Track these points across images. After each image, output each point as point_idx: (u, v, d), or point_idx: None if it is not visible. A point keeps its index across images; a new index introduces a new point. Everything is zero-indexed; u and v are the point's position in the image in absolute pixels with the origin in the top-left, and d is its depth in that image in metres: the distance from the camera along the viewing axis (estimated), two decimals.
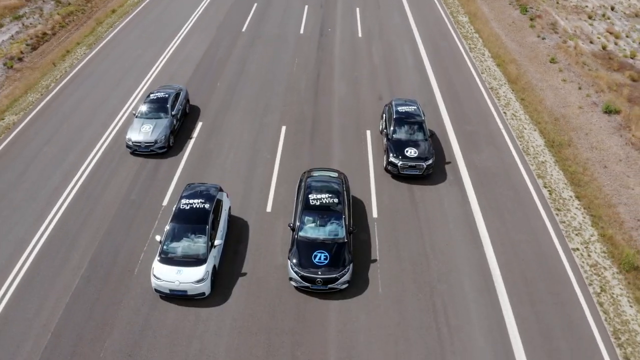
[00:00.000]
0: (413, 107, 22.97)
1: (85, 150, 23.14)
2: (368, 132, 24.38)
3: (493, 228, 19.28)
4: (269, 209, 19.77)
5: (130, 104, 26.55)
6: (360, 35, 34.60)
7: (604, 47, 33.64)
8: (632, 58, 32.53)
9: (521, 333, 15.71)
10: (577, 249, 18.65)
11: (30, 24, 37.42)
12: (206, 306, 16.03)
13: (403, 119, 22.31)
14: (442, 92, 27.93)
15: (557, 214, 20.06)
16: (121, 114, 25.71)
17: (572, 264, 17.99)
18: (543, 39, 34.57)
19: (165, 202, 20.04)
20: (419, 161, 20.92)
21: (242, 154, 22.85)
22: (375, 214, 19.65)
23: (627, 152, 24.06)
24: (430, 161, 20.97)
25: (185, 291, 15.81)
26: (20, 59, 32.84)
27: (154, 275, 15.95)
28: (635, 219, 20.51)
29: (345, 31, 35.17)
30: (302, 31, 34.98)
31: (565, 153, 23.58)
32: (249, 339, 15.07)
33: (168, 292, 15.94)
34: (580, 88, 28.79)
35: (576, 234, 19.29)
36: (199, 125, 24.80)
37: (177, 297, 16.10)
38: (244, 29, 35.18)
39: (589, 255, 18.47)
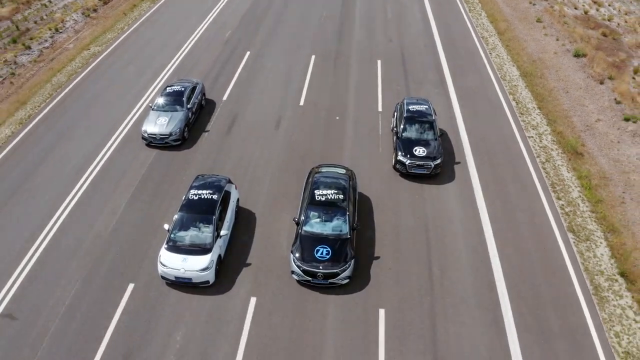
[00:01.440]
0: (424, 107, 23.08)
1: (158, 70, 29.91)
2: (379, 61, 30.81)
3: (468, 121, 25.53)
4: (301, 103, 26.48)
5: (192, 40, 33.36)
6: None
7: (585, 12, 39.45)
8: (609, 20, 38.28)
9: (482, 182, 21.85)
10: (532, 137, 24.78)
11: None
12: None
13: (414, 118, 22.38)
14: (441, 38, 34.20)
15: (520, 116, 26.20)
16: (185, 45, 32.56)
17: (526, 145, 24.12)
18: (534, 4, 40.51)
19: (225, 97, 26.91)
20: (427, 160, 21.01)
21: (281, 72, 29.49)
22: (380, 109, 26.20)
23: (587, 83, 29.99)
24: (438, 161, 21.14)
25: (190, 279, 16.22)
26: (94, 10, 39.95)
27: (161, 263, 16.40)
28: (585, 125, 26.44)
29: None
30: None
31: (535, 81, 29.61)
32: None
33: (174, 279, 16.38)
34: (557, 39, 34.74)
35: (533, 128, 25.42)
36: (247, 53, 31.49)
37: (183, 285, 16.66)
38: None
39: (540, 141, 24.59)
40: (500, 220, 19.88)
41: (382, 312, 16.31)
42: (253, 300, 16.56)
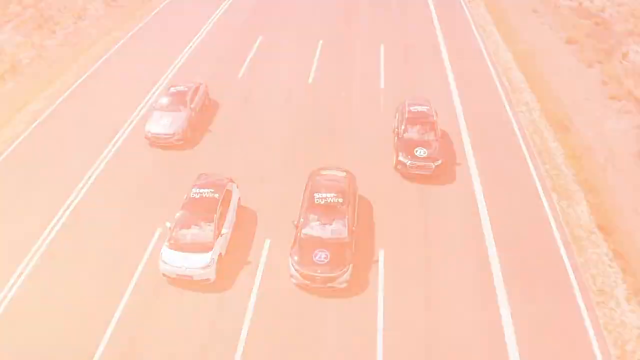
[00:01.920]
0: (426, 108, 23.26)
1: (176, 53, 32.19)
2: (382, 45, 33.09)
3: (463, 97, 27.78)
4: (310, 81, 28.90)
5: (207, 26, 35.79)
6: None
7: (580, 4, 41.53)
8: (602, 12, 40.32)
9: (473, 147, 23.96)
10: (522, 111, 26.87)
11: None
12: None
13: (415, 119, 22.52)
14: (441, 26, 36.48)
15: (512, 94, 28.30)
16: (201, 31, 34.98)
17: (516, 118, 26.22)
18: None
19: (240, 75, 29.36)
20: (428, 161, 21.12)
21: (292, 53, 31.93)
22: (382, 85, 28.63)
23: (577, 66, 32.00)
24: (439, 162, 21.22)
25: (191, 276, 16.52)
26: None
27: (162, 260, 16.71)
28: (572, 101, 28.47)
29: None
30: None
31: (527, 64, 31.66)
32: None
33: (175, 276, 16.69)
34: (551, 28, 36.83)
35: (523, 104, 27.52)
36: (259, 38, 33.87)
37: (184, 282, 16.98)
38: None
39: (530, 115, 26.68)
40: (490, 181, 21.97)
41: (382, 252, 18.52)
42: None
